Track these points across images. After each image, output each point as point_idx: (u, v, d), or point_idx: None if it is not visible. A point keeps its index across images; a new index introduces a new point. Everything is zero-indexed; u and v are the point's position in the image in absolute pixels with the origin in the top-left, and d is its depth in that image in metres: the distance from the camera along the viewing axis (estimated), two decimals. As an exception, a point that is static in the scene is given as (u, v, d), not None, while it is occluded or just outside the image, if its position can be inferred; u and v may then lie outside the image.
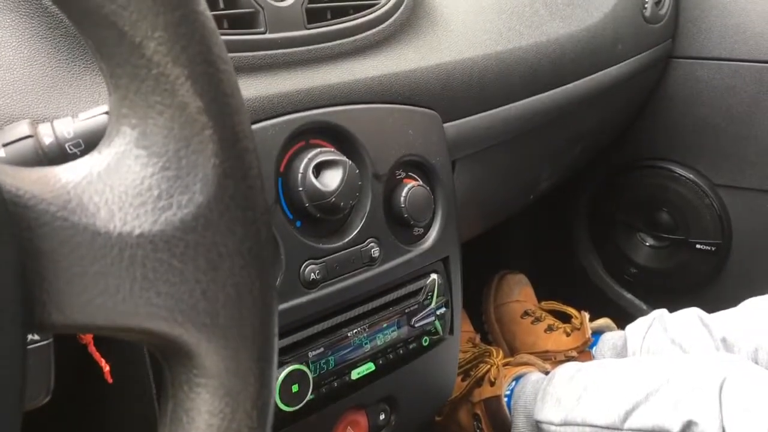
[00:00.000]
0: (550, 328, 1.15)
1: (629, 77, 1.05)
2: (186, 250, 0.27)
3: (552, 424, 0.87)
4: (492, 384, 0.99)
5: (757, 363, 0.87)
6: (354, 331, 0.66)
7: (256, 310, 0.29)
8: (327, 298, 0.63)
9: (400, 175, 0.69)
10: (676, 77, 1.24)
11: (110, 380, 0.48)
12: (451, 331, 0.76)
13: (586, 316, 1.11)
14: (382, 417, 0.72)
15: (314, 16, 0.64)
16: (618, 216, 1.37)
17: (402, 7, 0.71)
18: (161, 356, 0.29)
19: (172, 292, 0.27)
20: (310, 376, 0.61)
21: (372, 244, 0.66)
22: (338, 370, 0.66)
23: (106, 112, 0.40)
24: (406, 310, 0.71)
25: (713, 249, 1.28)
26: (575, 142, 1.14)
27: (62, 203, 0.25)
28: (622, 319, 1.14)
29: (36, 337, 0.33)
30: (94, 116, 0.40)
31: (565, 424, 0.86)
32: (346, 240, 0.64)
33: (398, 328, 0.70)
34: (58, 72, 0.50)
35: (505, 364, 1.03)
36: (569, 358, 1.08)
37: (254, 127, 0.58)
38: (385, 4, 0.70)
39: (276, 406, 0.58)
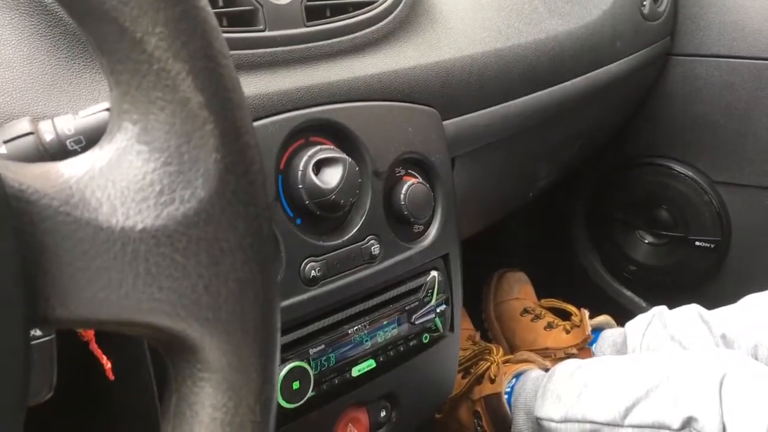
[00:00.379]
0: (549, 326, 1.15)
1: (628, 74, 1.05)
2: (188, 245, 0.27)
3: (552, 420, 0.87)
4: (492, 381, 0.99)
5: (756, 359, 0.87)
6: (354, 328, 0.67)
7: (257, 305, 0.29)
8: (327, 296, 0.63)
9: (399, 172, 0.69)
10: (674, 74, 1.24)
11: (112, 377, 0.48)
12: (452, 329, 0.76)
13: (586, 313, 1.11)
14: (383, 414, 0.72)
15: (313, 14, 0.64)
16: (617, 213, 1.37)
17: (401, 5, 0.71)
18: (164, 351, 0.29)
19: (175, 286, 0.27)
20: (311, 373, 0.61)
21: (372, 241, 0.66)
22: (339, 367, 0.66)
23: (107, 109, 0.40)
24: (407, 308, 0.71)
25: (712, 246, 1.28)
26: (574, 140, 1.14)
27: (65, 198, 0.25)
28: (622, 317, 1.14)
29: (38, 333, 0.33)
30: (95, 113, 0.40)
31: (565, 420, 0.86)
32: (347, 237, 0.64)
33: (399, 325, 0.70)
34: (57, 70, 0.50)
35: (505, 362, 1.03)
36: (569, 355, 1.08)
37: (254, 124, 0.58)
38: (384, 1, 0.70)
39: (277, 403, 0.58)
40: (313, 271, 0.62)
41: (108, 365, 0.48)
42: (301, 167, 0.60)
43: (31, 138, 0.38)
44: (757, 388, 0.75)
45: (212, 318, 0.28)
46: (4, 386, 0.24)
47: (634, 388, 0.81)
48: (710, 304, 1.01)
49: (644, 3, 1.08)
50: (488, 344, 1.08)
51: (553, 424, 0.87)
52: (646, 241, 1.36)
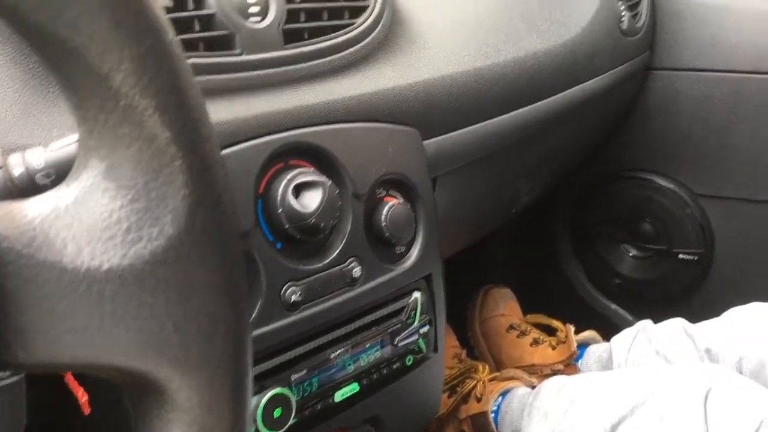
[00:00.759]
0: (535, 342, 1.15)
1: (607, 90, 1.06)
2: (156, 284, 0.27)
3: (539, 438, 0.87)
4: (478, 400, 0.99)
5: (741, 372, 0.87)
6: (337, 352, 0.66)
7: (229, 342, 0.29)
8: (309, 320, 0.63)
9: (380, 193, 0.69)
10: (655, 88, 1.26)
11: (87, 411, 0.47)
12: (435, 349, 0.76)
13: (571, 328, 1.11)
14: (367, 438, 0.72)
15: (291, 37, 0.63)
16: (601, 227, 1.38)
17: (380, 26, 0.71)
18: (132, 392, 0.28)
19: (143, 327, 0.26)
20: (293, 400, 0.60)
21: (353, 263, 0.66)
22: (322, 393, 0.65)
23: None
24: (390, 330, 0.70)
25: (696, 258, 1.29)
26: (555, 156, 1.15)
27: (28, 240, 0.25)
28: (608, 330, 1.14)
29: (6, 373, 0.32)
30: (67, 145, 0.39)
31: (552, 438, 0.85)
32: (327, 260, 0.64)
33: (382, 347, 0.70)
34: (31, 98, 0.50)
35: (492, 380, 1.03)
36: (555, 372, 1.07)
37: (232, 149, 0.58)
38: (363, 23, 0.70)
39: (258, 431, 0.57)
40: (294, 296, 0.61)
41: (84, 398, 0.47)
42: (280, 191, 0.59)
43: (-1, 173, 0.37)
44: (742, 402, 0.75)
45: (182, 357, 0.27)
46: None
47: (620, 405, 0.81)
48: (696, 315, 1.02)
49: (622, 19, 1.09)
50: (474, 362, 1.07)
51: (540, 442, 0.87)
52: (631, 255, 1.37)
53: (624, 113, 1.26)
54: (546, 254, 1.45)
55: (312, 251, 0.64)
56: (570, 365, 1.09)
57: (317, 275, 0.63)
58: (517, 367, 1.09)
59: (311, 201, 0.59)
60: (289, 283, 0.61)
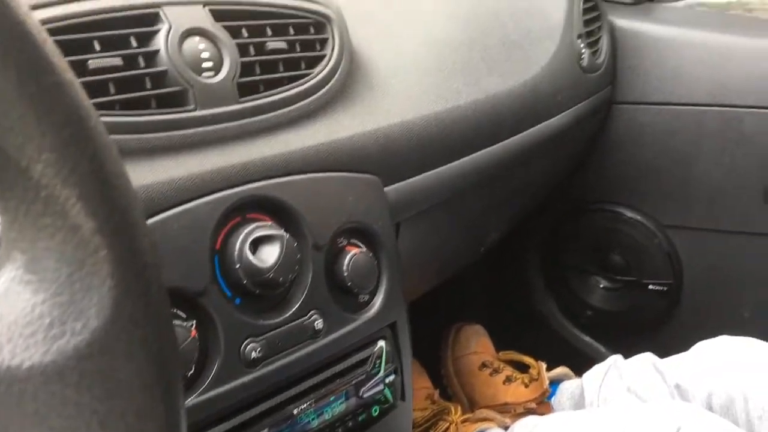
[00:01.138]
0: (508, 380, 1.14)
1: (571, 126, 1.07)
2: (80, 380, 0.26)
3: (512, 482, 0.86)
4: (451, 443, 0.98)
5: (711, 408, 0.87)
6: (300, 407, 0.65)
7: (162, 435, 0.28)
8: (270, 376, 0.61)
9: (342, 242, 0.68)
10: (618, 122, 1.27)
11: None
12: (402, 397, 0.75)
13: (543, 366, 1.11)
14: (334, 494, 0.70)
15: (246, 90, 0.63)
16: (571, 260, 1.38)
17: (337, 74, 0.71)
18: None
19: (67, 426, 0.25)
20: (255, 460, 0.59)
21: (315, 316, 0.65)
22: (285, 450, 0.64)
23: None
24: (354, 381, 0.69)
25: (665, 289, 1.30)
26: (522, 192, 1.15)
27: None
28: (582, 362, 1.14)
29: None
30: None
31: (524, 482, 0.84)
32: (288, 314, 0.63)
33: (346, 399, 0.69)
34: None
35: (464, 421, 1.02)
36: (528, 410, 1.07)
37: (187, 205, 0.57)
38: (320, 72, 0.69)
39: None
40: (253, 352, 0.60)
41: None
42: (237, 246, 0.58)
43: None
44: (712, 440, 0.74)
45: (109, 456, 0.26)
46: None
47: (591, 446, 0.80)
48: (667, 345, 1.02)
49: (582, 56, 1.10)
50: (447, 404, 1.06)
51: (513, 486, 0.86)
52: (602, 286, 1.37)
53: (589, 147, 1.28)
54: (517, 288, 1.45)
55: (272, 305, 0.63)
56: (543, 403, 1.08)
57: (278, 330, 0.62)
58: (490, 406, 1.08)
59: (269, 255, 0.59)
60: (248, 339, 0.60)
